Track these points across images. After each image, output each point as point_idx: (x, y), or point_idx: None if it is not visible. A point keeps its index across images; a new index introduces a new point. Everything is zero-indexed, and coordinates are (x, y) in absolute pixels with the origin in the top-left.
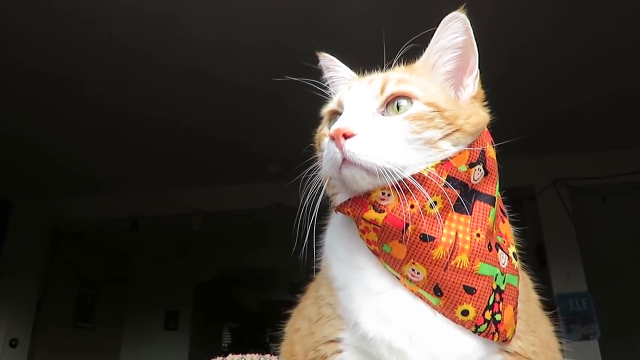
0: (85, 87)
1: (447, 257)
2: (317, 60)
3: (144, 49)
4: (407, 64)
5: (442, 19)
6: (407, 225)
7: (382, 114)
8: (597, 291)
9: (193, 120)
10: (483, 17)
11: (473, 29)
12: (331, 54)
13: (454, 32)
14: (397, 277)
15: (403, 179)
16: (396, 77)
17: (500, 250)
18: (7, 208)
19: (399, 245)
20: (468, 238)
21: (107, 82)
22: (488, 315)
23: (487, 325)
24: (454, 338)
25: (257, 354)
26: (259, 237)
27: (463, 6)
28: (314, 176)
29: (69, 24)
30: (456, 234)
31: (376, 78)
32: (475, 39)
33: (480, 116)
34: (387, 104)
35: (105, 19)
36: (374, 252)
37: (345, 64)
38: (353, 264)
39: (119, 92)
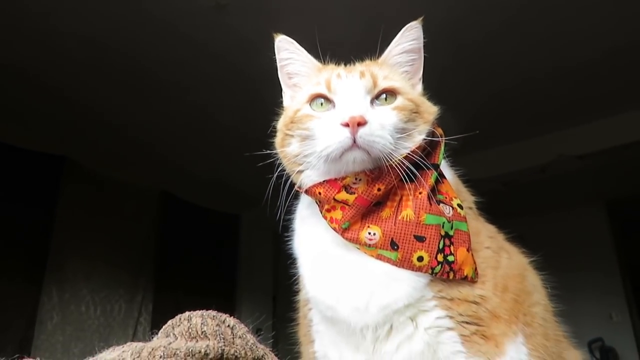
0: None
1: (393, 214)
2: None
3: None
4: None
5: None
6: (371, 203)
7: (373, 104)
8: None
9: None
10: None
11: None
12: None
13: (413, 39)
14: (357, 248)
15: (377, 167)
16: (382, 74)
17: (442, 204)
18: (237, 219)
19: (357, 219)
20: (411, 197)
21: None
22: (440, 257)
23: (441, 267)
24: (377, 291)
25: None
26: None
27: (422, 18)
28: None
29: None
30: (400, 196)
31: (365, 72)
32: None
33: (434, 108)
34: (377, 96)
35: None
36: (334, 229)
37: None
38: (305, 235)
39: None
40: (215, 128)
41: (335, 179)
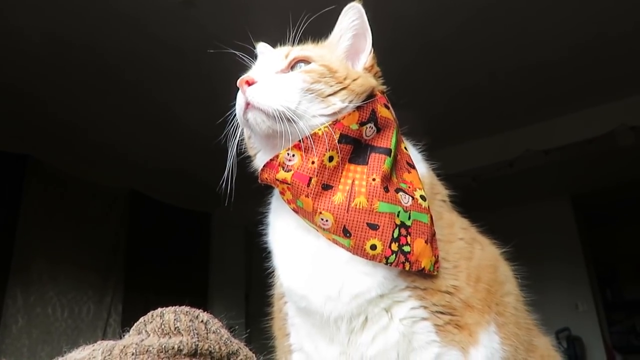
0: None
1: (346, 200)
2: None
3: None
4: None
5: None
6: (310, 179)
7: (285, 73)
8: None
9: None
10: None
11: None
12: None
13: (351, 18)
14: (315, 229)
15: (301, 139)
16: (299, 47)
17: (402, 193)
18: (208, 218)
19: (306, 200)
20: (364, 183)
21: None
22: (395, 247)
23: (396, 256)
24: (349, 279)
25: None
26: None
27: None
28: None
29: None
30: (352, 181)
31: (285, 48)
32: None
33: (368, 81)
34: (292, 67)
35: None
36: (294, 210)
37: None
38: (277, 226)
39: None
40: (182, 126)
41: (272, 159)
